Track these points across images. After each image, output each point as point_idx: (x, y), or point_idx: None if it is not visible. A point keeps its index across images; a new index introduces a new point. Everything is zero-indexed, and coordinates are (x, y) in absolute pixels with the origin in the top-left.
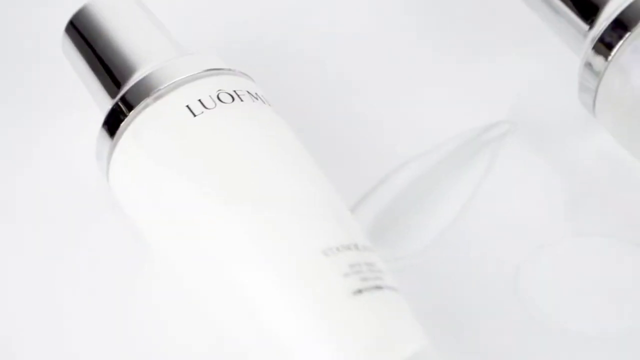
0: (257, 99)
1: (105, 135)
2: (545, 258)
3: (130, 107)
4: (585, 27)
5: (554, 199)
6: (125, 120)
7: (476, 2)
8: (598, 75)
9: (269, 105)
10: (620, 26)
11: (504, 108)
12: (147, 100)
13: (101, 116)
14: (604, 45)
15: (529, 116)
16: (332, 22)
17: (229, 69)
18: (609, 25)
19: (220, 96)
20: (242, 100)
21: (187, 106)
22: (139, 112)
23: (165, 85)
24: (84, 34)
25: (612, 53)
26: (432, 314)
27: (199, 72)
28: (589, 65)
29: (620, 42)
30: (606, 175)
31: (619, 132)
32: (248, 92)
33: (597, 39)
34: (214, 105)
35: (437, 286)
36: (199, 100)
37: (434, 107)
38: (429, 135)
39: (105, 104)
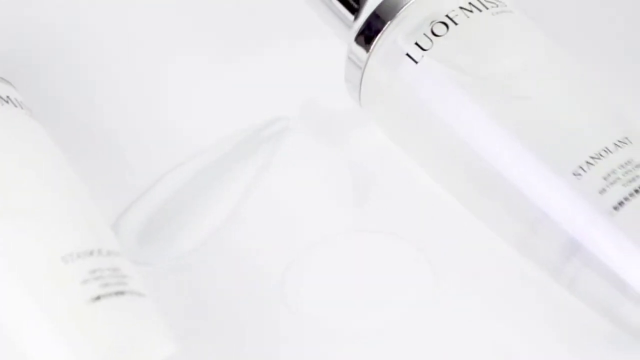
0: (7, 102)
1: None
2: (314, 256)
3: None
4: (351, 18)
5: (333, 195)
6: None
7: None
8: (360, 68)
9: (23, 108)
10: (379, 18)
11: (284, 103)
12: None
13: None
14: (365, 38)
15: (309, 111)
16: (94, 26)
17: None
18: (369, 18)
19: None
20: None
21: None
22: None
23: None
24: None
25: (372, 46)
26: (197, 317)
27: None
28: (352, 58)
29: (379, 35)
30: (384, 169)
31: (385, 124)
32: None
33: (358, 31)
34: None
35: (206, 287)
36: None
37: (213, 105)
38: (208, 134)
39: None
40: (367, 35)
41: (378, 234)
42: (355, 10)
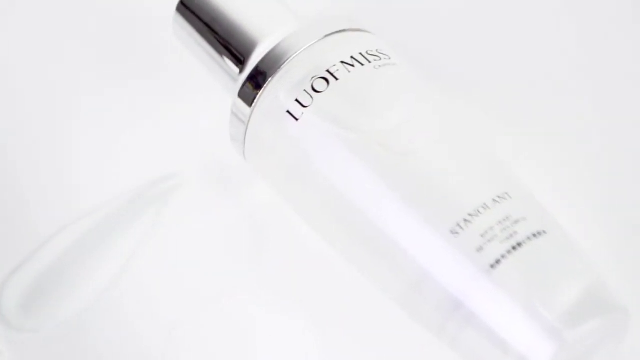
0: None
1: None
2: (200, 315)
3: None
4: (237, 71)
5: (226, 251)
6: None
7: (151, 50)
8: (244, 123)
9: None
10: (262, 73)
11: (173, 160)
12: None
13: None
14: (248, 93)
15: (202, 166)
16: None
17: None
18: (252, 72)
19: None
20: None
21: None
22: None
23: None
24: None
25: (254, 101)
26: None
27: None
28: (236, 112)
29: (261, 91)
30: (277, 224)
31: (269, 179)
32: None
33: (241, 85)
34: None
35: (93, 351)
36: None
37: (99, 164)
38: (93, 194)
39: None
40: (250, 90)
41: (265, 292)
42: (241, 63)
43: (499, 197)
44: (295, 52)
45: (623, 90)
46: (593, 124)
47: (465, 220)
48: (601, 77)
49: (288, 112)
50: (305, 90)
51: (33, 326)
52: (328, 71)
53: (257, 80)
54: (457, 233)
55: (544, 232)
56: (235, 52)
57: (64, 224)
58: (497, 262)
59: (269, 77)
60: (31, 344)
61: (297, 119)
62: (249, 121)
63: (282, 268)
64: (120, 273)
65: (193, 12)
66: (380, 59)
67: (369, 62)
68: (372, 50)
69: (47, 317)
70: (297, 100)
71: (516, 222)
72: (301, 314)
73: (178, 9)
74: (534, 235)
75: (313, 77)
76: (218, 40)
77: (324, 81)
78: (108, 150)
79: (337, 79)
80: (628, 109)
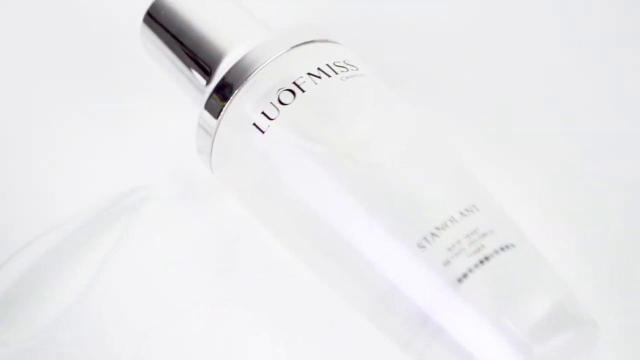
0: None
1: None
2: (171, 326)
3: None
4: (204, 82)
5: (194, 266)
6: None
7: (119, 63)
8: (211, 135)
9: None
10: (228, 85)
11: (142, 172)
12: None
13: None
14: (214, 104)
15: (168, 179)
16: None
17: None
18: (218, 83)
19: None
20: None
21: None
22: None
23: None
24: None
25: (221, 114)
26: None
27: None
28: (202, 124)
29: (227, 104)
30: (242, 234)
31: (237, 191)
32: None
33: (208, 97)
34: None
35: None
36: None
37: (68, 176)
38: (63, 206)
39: None
40: (217, 101)
41: (235, 304)
42: (207, 74)
43: (466, 210)
44: (262, 64)
45: (596, 95)
46: (567, 129)
47: (432, 234)
48: (575, 80)
49: (254, 124)
50: (271, 102)
51: (3, 339)
52: (294, 83)
53: (223, 92)
54: (424, 247)
55: (512, 245)
56: (202, 64)
57: (34, 235)
58: (465, 276)
59: (236, 89)
60: (2, 358)
61: (263, 132)
62: (215, 133)
63: (252, 279)
64: (91, 285)
65: (160, 23)
66: (348, 70)
67: (336, 73)
68: (339, 62)
69: (18, 330)
70: (263, 113)
71: (484, 235)
72: (272, 326)
73: (145, 20)
74: (502, 249)
75: (279, 89)
76: (185, 52)
77: (290, 93)
78: (78, 163)
79: (303, 90)
80: (601, 114)
